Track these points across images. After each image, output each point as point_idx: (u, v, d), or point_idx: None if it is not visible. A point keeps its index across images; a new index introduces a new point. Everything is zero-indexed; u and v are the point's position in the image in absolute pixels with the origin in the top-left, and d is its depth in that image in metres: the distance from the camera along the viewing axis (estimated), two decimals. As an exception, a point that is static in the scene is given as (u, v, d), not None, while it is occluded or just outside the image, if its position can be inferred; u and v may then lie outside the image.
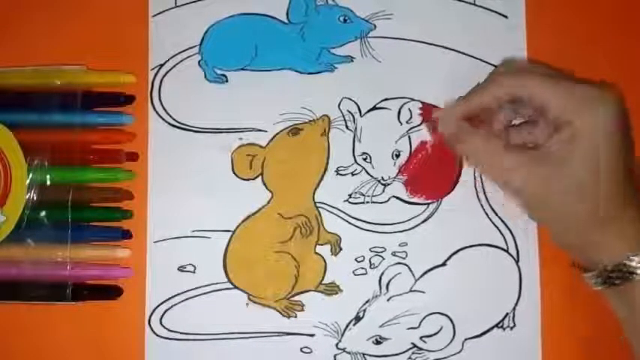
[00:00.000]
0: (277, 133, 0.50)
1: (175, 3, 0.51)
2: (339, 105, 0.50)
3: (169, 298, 0.48)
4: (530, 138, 0.47)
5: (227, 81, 0.50)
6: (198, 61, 0.50)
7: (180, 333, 0.48)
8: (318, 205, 0.49)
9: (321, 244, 0.49)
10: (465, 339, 0.48)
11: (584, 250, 0.45)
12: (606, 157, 0.42)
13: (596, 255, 0.43)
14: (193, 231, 0.49)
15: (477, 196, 0.49)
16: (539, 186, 0.43)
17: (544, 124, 0.45)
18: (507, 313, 0.48)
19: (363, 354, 0.48)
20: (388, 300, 0.48)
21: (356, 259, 0.49)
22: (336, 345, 0.48)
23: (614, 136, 0.42)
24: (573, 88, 0.43)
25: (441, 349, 0.48)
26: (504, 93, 0.45)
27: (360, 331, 0.48)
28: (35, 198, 0.47)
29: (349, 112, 0.50)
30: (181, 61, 0.50)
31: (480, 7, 0.51)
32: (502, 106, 0.46)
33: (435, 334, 0.48)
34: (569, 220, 0.44)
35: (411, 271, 0.49)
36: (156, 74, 0.50)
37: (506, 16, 0.51)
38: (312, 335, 0.48)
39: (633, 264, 0.42)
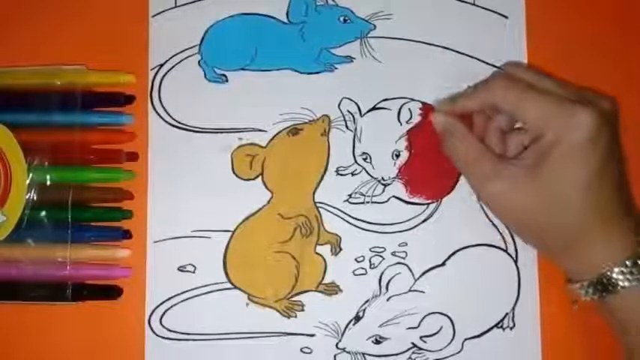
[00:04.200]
0: (277, 133, 0.50)
1: (175, 3, 0.51)
2: (339, 105, 0.50)
3: (169, 298, 0.48)
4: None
5: (227, 81, 0.50)
6: (198, 61, 0.50)
7: (180, 333, 0.48)
8: (318, 205, 0.49)
9: (321, 244, 0.49)
10: (465, 339, 0.48)
11: (564, 263, 0.45)
12: (579, 170, 0.42)
13: (579, 267, 0.43)
14: (193, 231, 0.49)
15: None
16: (511, 196, 0.43)
17: (525, 138, 0.45)
18: (507, 313, 0.48)
19: (363, 354, 0.48)
20: (388, 300, 0.48)
21: (356, 259, 0.49)
22: (336, 345, 0.48)
23: (588, 151, 0.41)
24: (550, 101, 0.42)
25: (441, 349, 0.48)
26: (489, 102, 0.45)
27: (360, 330, 0.48)
28: (35, 198, 0.47)
29: (349, 112, 0.50)
30: (181, 61, 0.50)
31: (480, 7, 0.51)
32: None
33: (434, 334, 0.48)
34: (544, 232, 0.44)
35: (410, 271, 0.49)
36: (156, 74, 0.50)
37: (506, 16, 0.51)
38: (312, 335, 0.48)
39: (614, 275, 0.42)
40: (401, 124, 0.50)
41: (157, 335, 0.48)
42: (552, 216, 0.43)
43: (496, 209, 0.45)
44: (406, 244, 0.49)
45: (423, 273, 0.49)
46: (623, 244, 0.42)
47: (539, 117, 0.42)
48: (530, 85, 0.44)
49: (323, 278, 0.49)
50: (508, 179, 0.43)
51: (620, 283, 0.42)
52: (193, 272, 0.49)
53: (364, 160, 0.49)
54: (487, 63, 0.50)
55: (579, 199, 0.42)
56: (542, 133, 0.43)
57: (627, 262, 0.42)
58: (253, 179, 0.49)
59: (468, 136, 0.45)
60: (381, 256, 0.49)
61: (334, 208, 0.49)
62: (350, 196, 0.49)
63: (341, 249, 0.49)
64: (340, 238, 0.49)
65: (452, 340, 0.48)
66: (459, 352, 0.48)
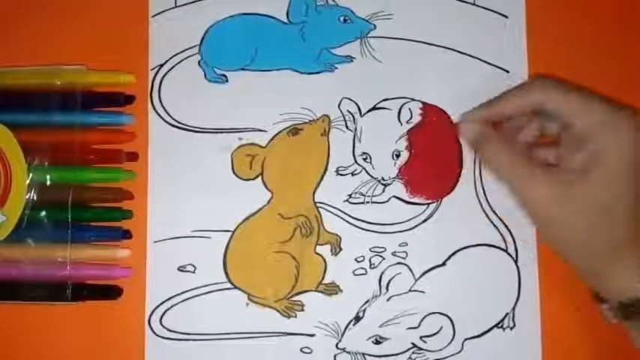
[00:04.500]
0: (277, 133, 0.50)
1: (175, 3, 0.51)
2: (339, 105, 0.50)
3: (169, 298, 0.48)
4: (553, 156, 0.46)
5: (227, 81, 0.50)
6: (198, 61, 0.50)
7: (181, 333, 0.48)
8: (318, 205, 0.49)
9: (321, 244, 0.49)
10: (465, 339, 0.48)
11: (599, 279, 0.43)
12: (628, 179, 0.41)
13: (612, 285, 0.42)
14: (193, 231, 0.49)
15: (477, 196, 0.49)
16: (555, 203, 0.42)
17: (568, 142, 0.44)
18: (507, 313, 0.48)
19: (363, 354, 0.48)
20: (388, 300, 0.48)
21: (356, 259, 0.49)
22: (336, 345, 0.48)
23: (636, 159, 0.41)
24: (600, 105, 0.42)
25: (441, 349, 0.48)
26: (529, 103, 0.44)
27: (360, 331, 0.48)
28: (35, 198, 0.47)
29: (349, 112, 0.50)
30: (181, 61, 0.50)
31: (480, 7, 0.51)
32: (529, 120, 0.46)
33: (435, 334, 0.48)
34: (584, 244, 0.43)
35: (410, 271, 0.49)
36: (156, 74, 0.50)
37: (506, 16, 0.51)
38: (312, 335, 0.48)
39: None
40: (401, 124, 0.50)
41: (157, 335, 0.48)
42: (596, 224, 0.42)
43: (540, 216, 0.44)
44: (406, 244, 0.49)
45: (424, 273, 0.49)
46: None
47: (589, 120, 0.42)
48: (574, 89, 0.44)
49: (323, 278, 0.49)
50: (556, 184, 0.42)
51: None
52: (193, 272, 0.49)
53: (364, 160, 0.49)
54: (487, 63, 0.50)
55: (628, 209, 0.41)
56: (591, 137, 0.42)
57: None
58: (253, 179, 0.49)
59: (505, 141, 0.45)
60: (381, 256, 0.49)
61: (334, 208, 0.49)
62: (350, 196, 0.49)
63: (341, 249, 0.49)
64: (340, 238, 0.49)
65: (452, 340, 0.48)
66: (459, 352, 0.48)
